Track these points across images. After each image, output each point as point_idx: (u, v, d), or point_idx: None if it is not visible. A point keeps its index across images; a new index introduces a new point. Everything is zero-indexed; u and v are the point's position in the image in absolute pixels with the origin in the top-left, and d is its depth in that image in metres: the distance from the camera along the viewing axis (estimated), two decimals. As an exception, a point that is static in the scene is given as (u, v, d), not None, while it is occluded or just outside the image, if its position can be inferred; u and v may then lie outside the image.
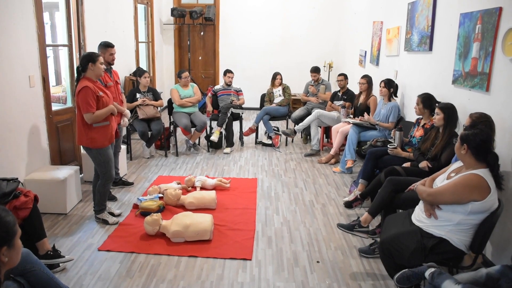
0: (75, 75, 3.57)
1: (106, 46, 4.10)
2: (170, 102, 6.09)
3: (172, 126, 5.97)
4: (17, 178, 2.95)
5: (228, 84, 6.48)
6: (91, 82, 3.42)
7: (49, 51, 4.54)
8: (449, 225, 2.37)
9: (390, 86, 4.86)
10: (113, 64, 4.19)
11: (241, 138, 6.57)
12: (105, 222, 3.69)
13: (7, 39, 3.61)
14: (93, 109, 3.37)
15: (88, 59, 3.43)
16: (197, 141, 6.18)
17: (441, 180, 2.55)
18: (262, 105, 6.80)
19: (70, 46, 4.91)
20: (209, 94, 6.61)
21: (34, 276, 2.15)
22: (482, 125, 2.74)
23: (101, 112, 3.45)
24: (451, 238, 2.37)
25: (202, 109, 7.27)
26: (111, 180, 3.72)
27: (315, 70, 6.53)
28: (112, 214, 3.82)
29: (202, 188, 4.52)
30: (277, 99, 6.59)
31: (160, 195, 4.19)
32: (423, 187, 2.57)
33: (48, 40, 4.47)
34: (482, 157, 2.34)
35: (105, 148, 3.55)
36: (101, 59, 3.48)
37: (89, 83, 3.38)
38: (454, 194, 2.31)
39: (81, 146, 3.76)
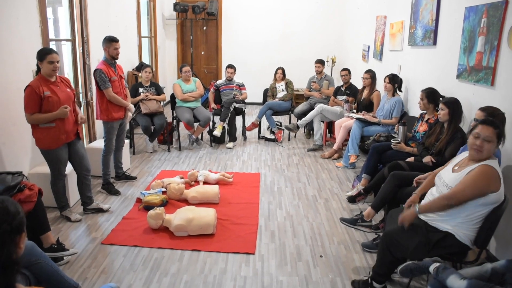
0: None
1: (111, 41, 4.09)
2: (173, 97, 6.09)
3: (175, 121, 5.97)
4: (21, 172, 2.95)
5: (229, 79, 6.47)
6: (42, 81, 3.25)
7: (52, 46, 4.52)
8: (456, 219, 2.36)
9: (395, 82, 4.84)
10: (117, 58, 4.17)
11: (244, 133, 6.57)
12: (68, 219, 3.64)
13: (11, 34, 3.61)
14: (29, 110, 3.21)
15: (37, 56, 3.25)
16: (200, 136, 6.18)
17: (446, 173, 2.54)
18: (265, 100, 6.80)
19: (73, 41, 4.92)
20: (212, 89, 6.60)
21: (39, 268, 2.16)
22: (499, 118, 2.74)
23: (42, 117, 3.25)
24: (457, 232, 2.36)
25: (205, 104, 7.27)
26: (61, 180, 3.56)
27: (320, 61, 6.57)
28: (101, 209, 3.82)
29: (205, 183, 4.52)
30: (280, 94, 6.58)
31: (163, 189, 4.20)
32: (428, 201, 2.45)
33: (51, 35, 4.45)
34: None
35: (52, 150, 3.39)
36: (50, 57, 3.22)
37: (35, 83, 3.22)
38: (476, 188, 2.27)
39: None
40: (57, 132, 3.38)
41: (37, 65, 3.30)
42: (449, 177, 2.47)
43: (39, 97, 3.21)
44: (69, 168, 3.92)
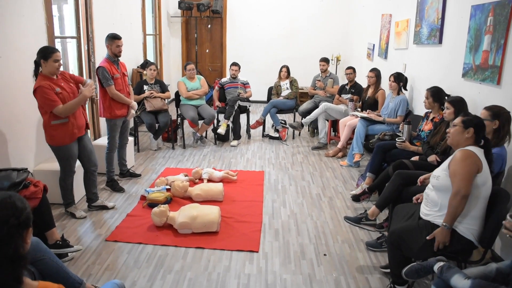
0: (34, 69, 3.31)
1: (113, 38, 4.09)
2: (177, 94, 6.10)
3: (179, 119, 5.98)
4: (26, 168, 2.97)
5: (233, 77, 6.47)
6: (47, 80, 3.24)
7: (58, 43, 4.54)
8: None
9: (400, 80, 4.82)
10: (119, 56, 4.18)
11: (248, 131, 6.57)
12: (72, 216, 3.66)
13: (16, 31, 3.62)
14: (57, 103, 3.21)
15: (40, 55, 3.20)
16: (204, 134, 6.18)
17: (439, 170, 2.55)
18: (269, 98, 6.79)
19: (78, 38, 4.93)
20: (216, 87, 6.60)
21: (44, 264, 2.17)
22: (504, 116, 2.73)
23: (72, 103, 3.30)
24: (457, 226, 2.36)
25: (210, 101, 7.27)
26: (71, 176, 3.58)
27: (325, 60, 6.53)
28: (105, 207, 3.83)
29: (209, 180, 4.53)
30: (285, 92, 6.57)
31: (168, 186, 4.20)
32: (445, 213, 2.38)
33: (57, 32, 4.46)
34: (480, 138, 2.41)
35: (65, 146, 3.42)
36: (55, 56, 3.21)
37: (43, 82, 3.19)
38: (466, 167, 2.29)
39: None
40: (71, 127, 3.41)
41: (35, 63, 3.23)
42: (438, 169, 2.53)
43: (54, 92, 3.23)
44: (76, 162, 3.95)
